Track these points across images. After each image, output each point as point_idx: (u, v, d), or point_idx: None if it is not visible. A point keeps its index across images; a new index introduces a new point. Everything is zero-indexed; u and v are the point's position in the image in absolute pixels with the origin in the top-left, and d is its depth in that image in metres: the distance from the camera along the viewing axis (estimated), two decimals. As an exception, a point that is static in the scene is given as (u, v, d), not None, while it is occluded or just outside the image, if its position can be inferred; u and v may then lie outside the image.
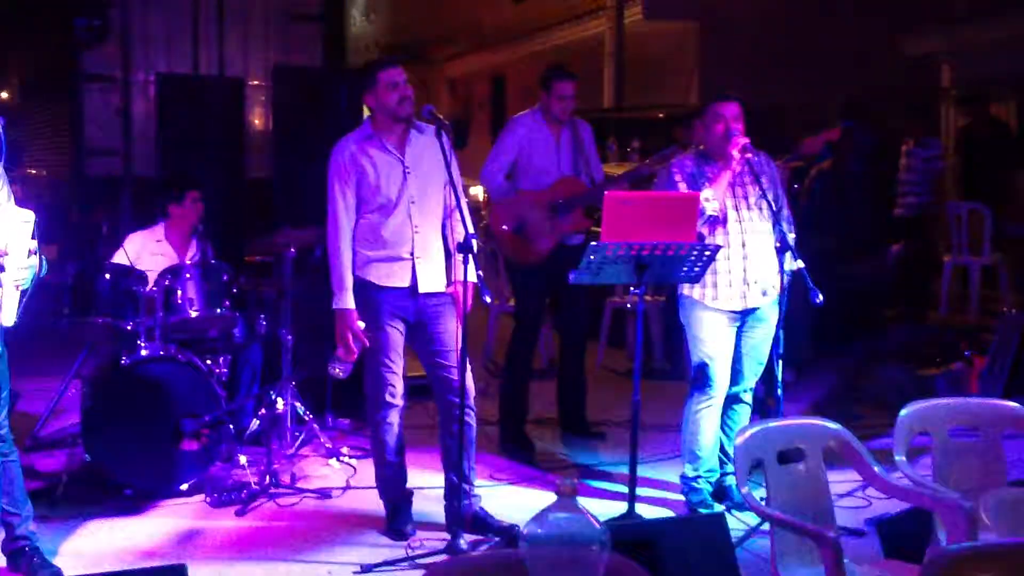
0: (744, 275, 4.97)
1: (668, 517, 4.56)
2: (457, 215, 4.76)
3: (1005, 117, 12.50)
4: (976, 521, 3.05)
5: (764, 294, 5.04)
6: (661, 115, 12.17)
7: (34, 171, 13.54)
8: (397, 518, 4.85)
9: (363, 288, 4.74)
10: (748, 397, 5.26)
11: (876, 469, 3.34)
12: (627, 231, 4.43)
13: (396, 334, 4.78)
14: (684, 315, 5.18)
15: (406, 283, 4.75)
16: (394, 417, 4.83)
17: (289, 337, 5.84)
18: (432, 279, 4.80)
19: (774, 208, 4.92)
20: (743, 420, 5.27)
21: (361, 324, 4.71)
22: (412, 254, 4.75)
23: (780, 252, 4.89)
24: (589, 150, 6.18)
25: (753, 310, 5.05)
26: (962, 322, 8.92)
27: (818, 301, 4.57)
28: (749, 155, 4.92)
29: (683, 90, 16.00)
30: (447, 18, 22.52)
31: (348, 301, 4.71)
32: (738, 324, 5.09)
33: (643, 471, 5.69)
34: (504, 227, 6.01)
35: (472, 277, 4.47)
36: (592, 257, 4.44)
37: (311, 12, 10.79)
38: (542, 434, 6.47)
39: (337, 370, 5.15)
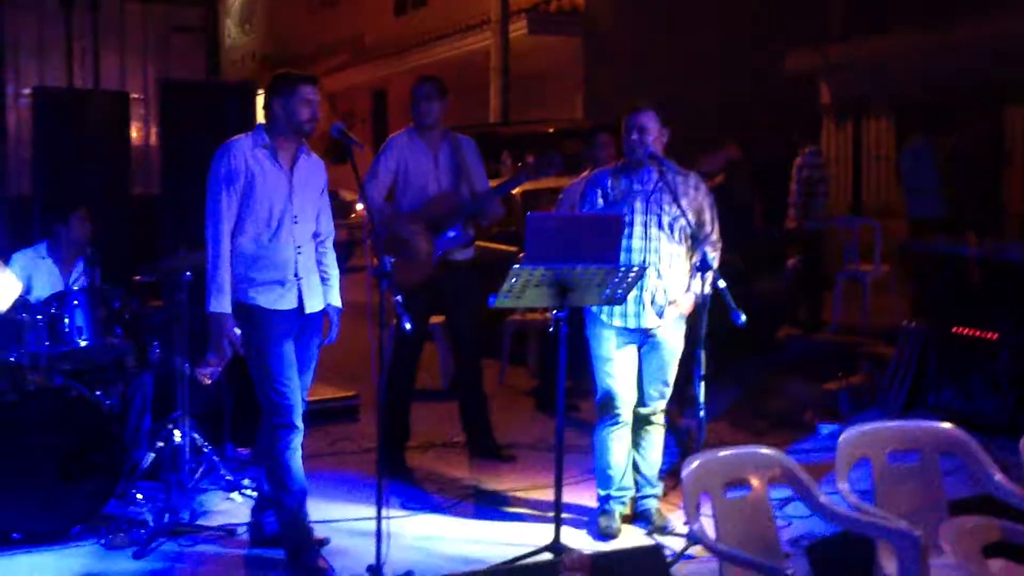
0: (640, 293, 4.86)
1: (603, 552, 4.42)
2: (330, 241, 4.87)
3: (882, 133, 12.88)
4: (927, 550, 3.00)
5: (660, 315, 4.94)
6: (551, 129, 12.16)
7: None
8: (302, 556, 4.59)
9: (251, 312, 4.60)
10: (659, 418, 5.14)
11: (823, 498, 3.27)
12: (550, 252, 4.29)
13: (289, 354, 4.65)
14: (588, 331, 5.09)
15: (294, 304, 4.67)
16: (294, 440, 4.63)
17: (186, 364, 5.54)
18: (315, 299, 4.76)
19: (691, 228, 4.84)
20: (655, 441, 5.15)
21: (237, 330, 4.56)
22: (297, 275, 4.66)
23: (696, 271, 4.83)
24: (473, 165, 6.06)
25: (650, 330, 4.97)
26: (855, 334, 9.05)
27: (741, 321, 4.49)
28: (660, 169, 4.83)
29: (568, 105, 16.04)
30: (327, 31, 22.20)
31: (226, 305, 4.55)
32: (637, 343, 5.00)
33: (551, 495, 5.59)
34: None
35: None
36: (513, 280, 4.28)
37: (193, 23, 10.40)
38: (452, 459, 6.30)
39: (206, 376, 4.97)
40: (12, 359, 5.06)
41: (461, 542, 5.02)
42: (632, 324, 4.92)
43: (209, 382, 5.43)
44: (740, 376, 7.89)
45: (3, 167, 8.19)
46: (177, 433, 5.51)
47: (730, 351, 7.94)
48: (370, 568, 4.32)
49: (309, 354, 4.79)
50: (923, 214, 9.31)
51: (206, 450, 5.67)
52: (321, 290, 4.81)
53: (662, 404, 5.13)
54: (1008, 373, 6.29)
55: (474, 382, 6.30)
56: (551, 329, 4.43)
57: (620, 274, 4.40)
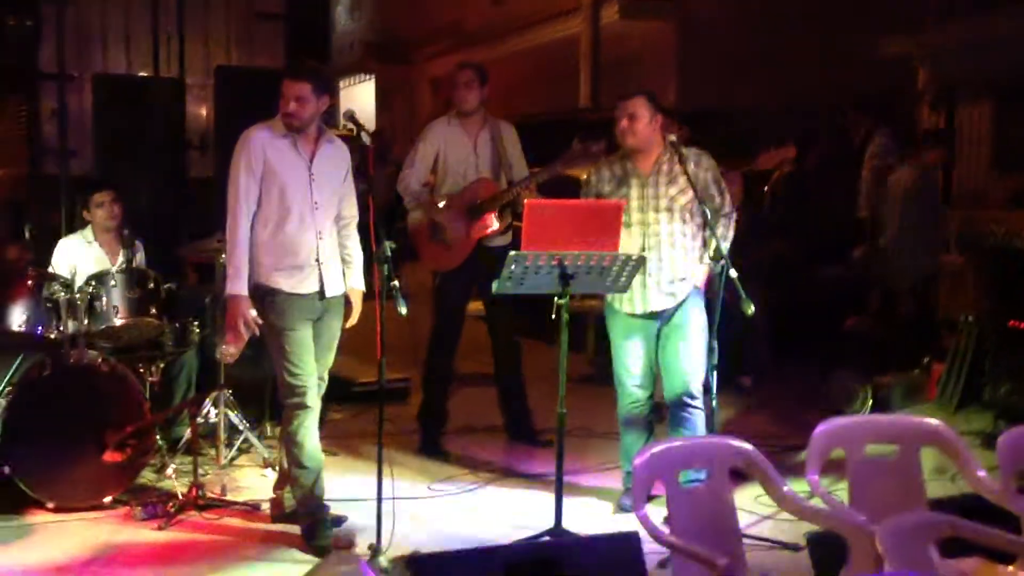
0: (644, 278, 4.85)
1: (574, 538, 4.41)
2: (354, 225, 4.94)
3: (976, 119, 12.38)
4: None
5: (671, 295, 4.92)
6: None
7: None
8: (317, 533, 4.71)
9: (273, 295, 4.71)
10: (695, 402, 5.05)
11: (784, 489, 3.21)
12: (549, 240, 4.29)
13: (306, 336, 4.76)
14: (606, 316, 5.16)
15: (315, 288, 4.76)
16: (309, 419, 4.73)
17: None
18: (335, 283, 4.85)
19: (693, 210, 4.83)
20: (691, 424, 5.06)
21: (253, 312, 4.66)
22: (318, 260, 4.75)
23: (709, 246, 4.85)
24: (512, 152, 6.07)
25: (663, 314, 4.94)
26: (927, 326, 8.76)
27: (749, 312, 4.40)
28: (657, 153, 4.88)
29: (662, 91, 15.87)
30: (429, 18, 22.37)
31: (242, 287, 4.66)
32: (652, 328, 4.98)
33: (585, 481, 5.61)
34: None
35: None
36: (513, 267, 4.30)
37: (274, 10, 10.66)
38: (489, 442, 6.35)
39: (226, 355, 5.14)
40: (52, 335, 5.28)
41: (477, 523, 5.08)
42: (640, 309, 4.92)
43: (231, 362, 5.59)
44: (796, 367, 7.74)
45: (78, 150, 8.52)
46: (213, 410, 5.68)
47: (792, 340, 7.83)
48: (371, 547, 4.40)
49: (329, 335, 4.90)
50: None
51: (243, 427, 5.82)
52: (342, 274, 4.91)
53: (692, 386, 5.04)
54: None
55: (512, 366, 6.32)
56: (553, 316, 4.42)
57: (619, 262, 4.38)
